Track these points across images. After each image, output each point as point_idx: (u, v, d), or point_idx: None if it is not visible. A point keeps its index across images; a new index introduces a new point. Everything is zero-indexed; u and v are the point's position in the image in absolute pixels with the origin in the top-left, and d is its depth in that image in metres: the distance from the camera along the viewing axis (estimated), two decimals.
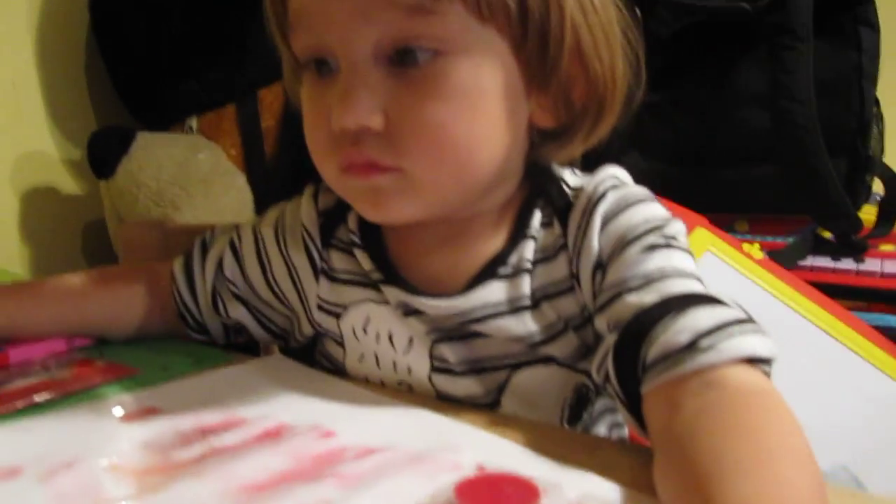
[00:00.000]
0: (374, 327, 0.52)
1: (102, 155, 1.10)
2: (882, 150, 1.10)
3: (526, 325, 0.49)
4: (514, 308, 0.49)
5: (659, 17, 1.09)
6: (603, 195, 0.49)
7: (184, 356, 0.55)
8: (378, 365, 0.53)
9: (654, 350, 0.39)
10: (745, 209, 1.15)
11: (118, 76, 1.25)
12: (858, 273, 0.99)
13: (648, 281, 0.44)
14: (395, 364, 0.52)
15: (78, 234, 1.25)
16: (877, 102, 1.08)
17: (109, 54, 1.23)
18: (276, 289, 0.57)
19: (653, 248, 0.46)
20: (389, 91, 0.44)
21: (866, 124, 1.04)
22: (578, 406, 0.52)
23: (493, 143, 0.46)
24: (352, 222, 0.54)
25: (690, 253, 0.48)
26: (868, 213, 1.11)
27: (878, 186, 1.13)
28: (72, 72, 1.25)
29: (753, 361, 0.38)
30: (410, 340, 0.51)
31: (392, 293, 0.51)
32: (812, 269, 1.01)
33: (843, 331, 0.86)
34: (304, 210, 0.56)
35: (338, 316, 0.54)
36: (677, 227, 0.48)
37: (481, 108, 0.45)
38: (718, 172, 1.13)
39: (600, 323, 0.46)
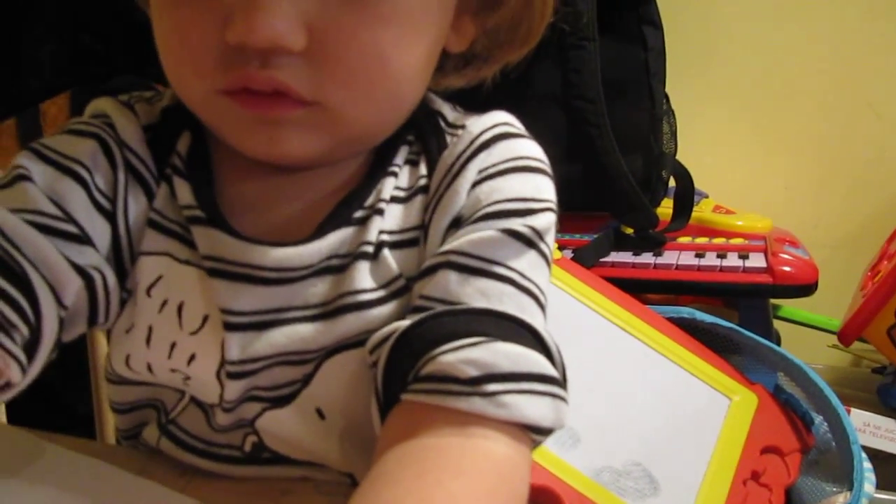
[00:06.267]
0: (163, 291, 0.41)
1: None
2: (676, 147, 1.14)
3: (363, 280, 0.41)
4: (355, 257, 0.41)
5: None
6: (489, 142, 0.42)
7: None
8: (148, 343, 0.42)
9: (434, 365, 0.34)
10: None
11: None
12: (656, 267, 1.01)
13: (484, 272, 0.38)
14: (173, 347, 0.41)
15: None
16: (667, 99, 1.11)
17: None
18: None
19: (514, 235, 0.39)
20: (318, 2, 0.36)
21: (657, 121, 1.07)
22: None
23: (422, 76, 0.40)
24: (182, 144, 0.43)
25: (548, 259, 0.41)
26: (668, 208, 1.14)
27: None
28: None
29: (529, 428, 0.34)
30: (205, 319, 0.41)
31: (208, 237, 0.40)
32: (613, 264, 1.03)
33: (637, 325, 0.87)
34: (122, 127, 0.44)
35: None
36: (549, 220, 0.41)
37: (423, 35, 0.38)
38: None
39: (416, 289, 0.40)
